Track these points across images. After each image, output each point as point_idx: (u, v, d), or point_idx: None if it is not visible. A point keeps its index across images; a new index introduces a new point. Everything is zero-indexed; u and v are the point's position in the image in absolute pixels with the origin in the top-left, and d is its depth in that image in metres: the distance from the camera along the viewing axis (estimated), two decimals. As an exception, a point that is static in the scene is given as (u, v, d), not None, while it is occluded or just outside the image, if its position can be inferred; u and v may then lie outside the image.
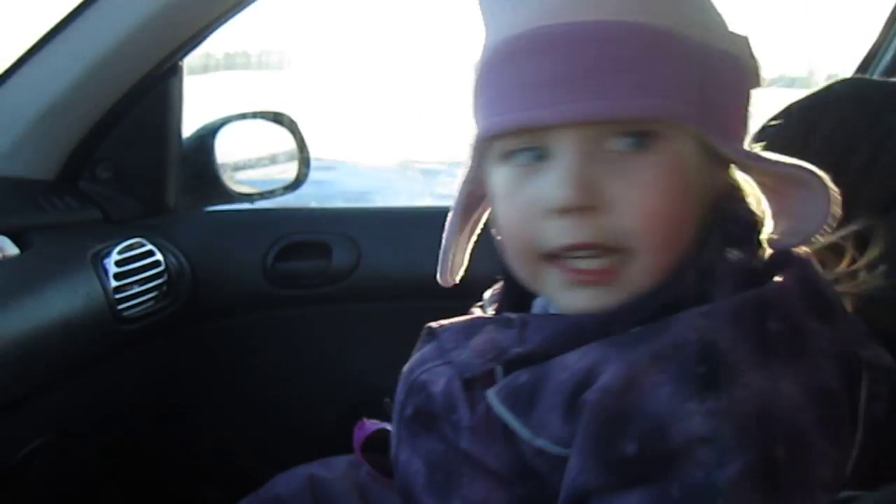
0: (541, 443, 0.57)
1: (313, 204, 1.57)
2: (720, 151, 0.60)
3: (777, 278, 0.58)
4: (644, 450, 0.51)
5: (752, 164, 0.62)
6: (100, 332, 1.08)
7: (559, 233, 0.59)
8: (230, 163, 1.39)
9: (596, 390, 0.54)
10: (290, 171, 1.42)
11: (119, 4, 1.15)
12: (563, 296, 0.62)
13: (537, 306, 0.70)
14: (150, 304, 1.17)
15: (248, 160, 1.47)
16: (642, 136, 0.57)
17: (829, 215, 0.59)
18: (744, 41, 0.62)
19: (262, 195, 1.44)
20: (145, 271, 1.17)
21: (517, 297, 0.71)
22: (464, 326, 0.70)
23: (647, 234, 0.58)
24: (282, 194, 1.42)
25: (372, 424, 0.83)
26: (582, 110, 0.56)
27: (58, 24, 1.15)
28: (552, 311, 0.67)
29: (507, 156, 0.61)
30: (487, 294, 0.79)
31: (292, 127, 1.42)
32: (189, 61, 1.28)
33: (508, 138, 0.60)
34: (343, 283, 1.32)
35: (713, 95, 0.59)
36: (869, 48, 1.42)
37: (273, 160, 1.46)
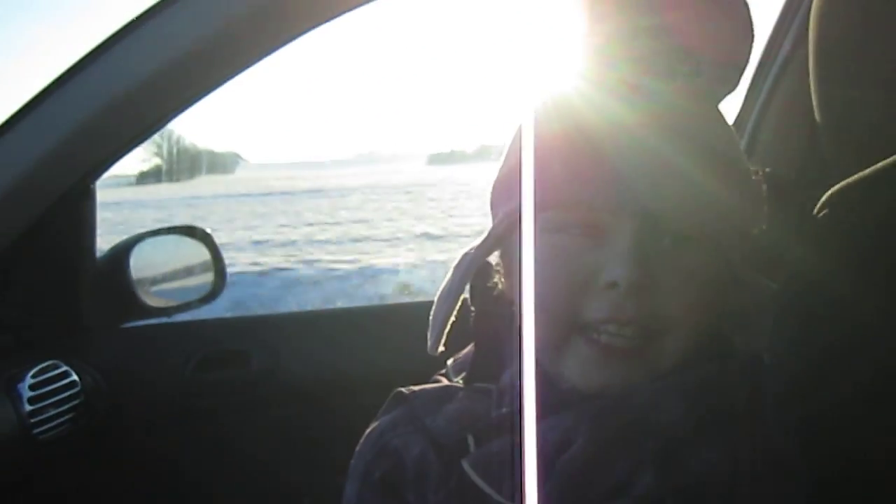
0: None
1: (228, 314, 1.59)
2: (736, 269, 0.68)
3: (730, 367, 0.66)
4: None
5: (750, 282, 0.70)
6: (15, 456, 1.06)
7: (605, 306, 0.63)
8: (146, 278, 1.40)
9: (565, 460, 0.61)
10: (205, 281, 1.45)
11: (31, 128, 1.18)
12: (589, 371, 0.65)
13: (507, 377, 0.72)
14: (66, 425, 1.16)
15: (164, 274, 1.49)
16: (688, 240, 0.64)
17: None
18: (760, 183, 0.71)
19: (179, 308, 1.45)
20: (61, 393, 1.16)
21: (488, 367, 0.74)
22: (437, 393, 0.72)
23: (684, 321, 0.64)
24: (198, 307, 1.44)
25: None
26: (659, 207, 0.62)
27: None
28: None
29: (556, 228, 0.65)
30: (450, 363, 0.81)
31: (206, 240, 1.46)
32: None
33: (563, 212, 0.65)
34: (263, 388, 1.34)
35: (739, 223, 0.68)
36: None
37: (188, 273, 1.49)
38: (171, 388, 1.32)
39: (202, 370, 1.33)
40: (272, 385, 1.34)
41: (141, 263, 1.39)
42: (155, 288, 1.45)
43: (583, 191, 0.63)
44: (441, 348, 0.73)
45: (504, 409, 0.66)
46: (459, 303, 0.72)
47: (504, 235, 0.70)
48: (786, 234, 1.02)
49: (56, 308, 1.29)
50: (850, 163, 0.76)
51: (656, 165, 0.62)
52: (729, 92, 0.70)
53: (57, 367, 1.17)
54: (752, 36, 0.70)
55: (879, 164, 0.59)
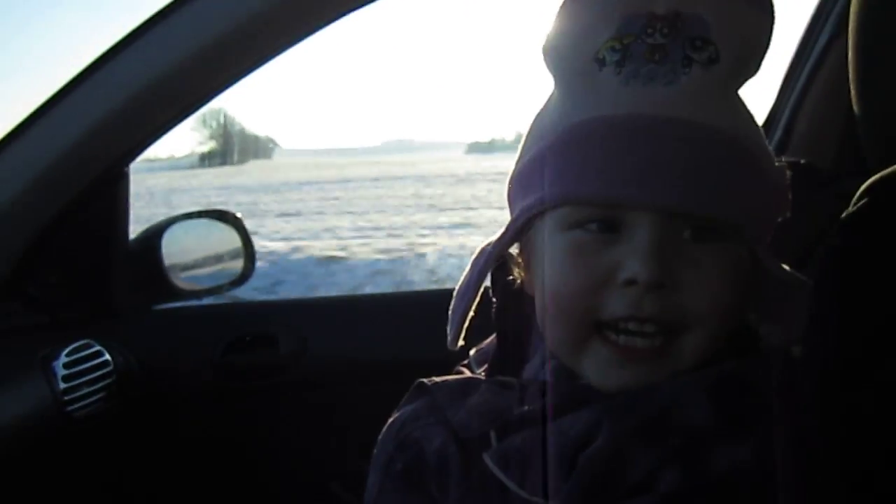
0: (539, 500, 0.62)
1: (259, 298, 1.60)
2: (761, 259, 0.66)
3: (756, 362, 0.65)
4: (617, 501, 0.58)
5: (778, 274, 0.68)
6: (49, 432, 1.09)
7: (624, 303, 0.62)
8: (178, 262, 1.42)
9: (587, 456, 0.60)
10: (236, 265, 1.46)
11: (66, 113, 1.20)
12: (607, 372, 0.64)
13: (529, 370, 0.73)
14: (99, 404, 1.18)
15: (196, 259, 1.51)
16: (708, 231, 0.63)
17: None
18: (783, 169, 0.69)
19: (210, 291, 1.47)
20: (94, 372, 1.18)
21: (510, 361, 0.74)
22: (459, 385, 0.72)
23: (705, 318, 0.63)
24: (228, 290, 1.46)
25: None
26: (680, 201, 0.61)
27: (7, 135, 1.20)
28: (543, 377, 0.70)
29: (574, 224, 0.65)
30: (473, 353, 0.81)
31: (237, 224, 1.47)
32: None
33: (581, 207, 0.64)
34: (290, 372, 1.35)
35: (762, 211, 0.66)
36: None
37: (219, 258, 1.50)
38: (200, 369, 1.34)
39: (231, 353, 1.35)
40: (300, 369, 1.35)
41: (173, 247, 1.41)
42: (186, 271, 1.47)
43: (599, 186, 0.62)
44: (461, 343, 0.73)
45: (526, 407, 0.66)
46: (479, 297, 0.72)
47: (522, 230, 0.69)
48: (821, 225, 1.01)
49: (90, 289, 1.32)
50: (888, 155, 0.74)
51: (674, 157, 0.61)
52: (749, 77, 0.68)
53: (91, 347, 1.19)
54: (773, 20, 0.67)
55: None
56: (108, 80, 1.14)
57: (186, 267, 1.48)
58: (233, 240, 1.46)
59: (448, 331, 0.72)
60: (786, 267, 0.69)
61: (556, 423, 0.63)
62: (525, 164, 0.69)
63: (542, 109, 0.71)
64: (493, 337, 0.79)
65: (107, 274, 1.33)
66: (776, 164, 0.69)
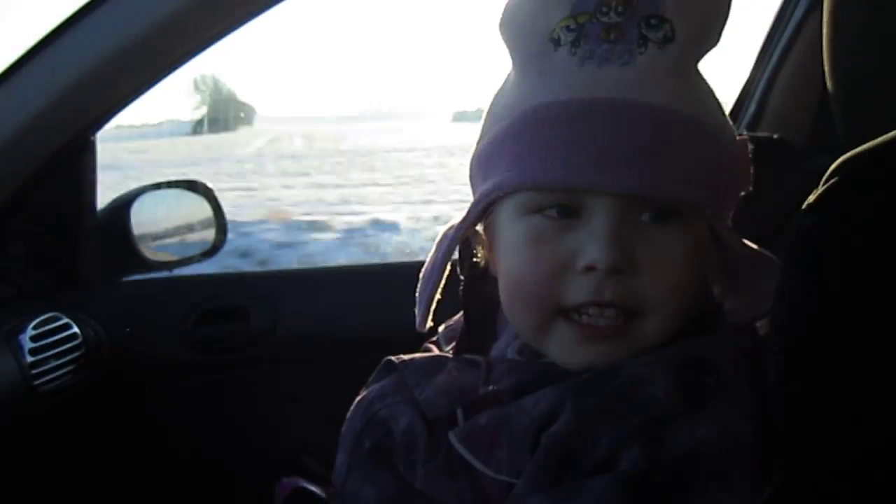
0: (505, 477, 0.62)
1: (230, 269, 1.59)
2: (721, 237, 0.67)
3: (720, 339, 0.66)
4: (580, 478, 0.59)
5: (740, 250, 0.68)
6: (16, 407, 1.07)
7: (584, 289, 0.63)
8: (147, 233, 1.40)
9: (550, 434, 0.60)
10: (207, 236, 1.45)
11: (28, 81, 1.17)
12: (572, 351, 0.65)
13: (497, 349, 0.74)
14: (67, 377, 1.17)
15: (166, 229, 1.49)
16: (668, 212, 0.63)
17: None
18: (744, 144, 0.69)
19: (180, 262, 1.45)
20: (62, 345, 1.17)
21: (477, 339, 0.75)
22: (427, 363, 0.72)
23: (665, 300, 0.63)
24: (199, 261, 1.44)
25: (290, 482, 0.85)
26: (638, 185, 0.61)
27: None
28: (509, 355, 0.71)
29: (532, 209, 0.65)
30: (441, 329, 0.82)
31: (207, 194, 1.45)
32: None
33: (540, 192, 0.64)
34: (262, 345, 1.34)
35: (723, 189, 0.66)
36: (734, 102, 1.55)
37: (190, 228, 1.49)
38: (171, 341, 1.33)
39: (202, 324, 1.34)
40: (272, 341, 1.34)
41: (142, 217, 1.39)
42: (156, 242, 1.45)
43: (557, 171, 0.62)
44: (429, 324, 0.73)
45: (492, 386, 0.66)
46: (444, 280, 0.72)
47: (483, 213, 0.69)
48: (792, 201, 1.01)
49: (57, 261, 1.29)
50: (861, 132, 0.75)
51: (631, 141, 0.61)
52: (709, 49, 0.67)
53: (58, 319, 1.17)
54: None
55: (893, 134, 0.58)
56: (71, 46, 1.11)
57: (156, 237, 1.46)
58: (204, 210, 1.45)
59: (416, 313, 0.72)
60: (748, 243, 0.69)
61: (519, 402, 0.63)
62: (484, 146, 0.69)
63: (500, 88, 0.70)
64: (460, 314, 0.79)
65: (74, 245, 1.31)
66: (737, 139, 0.69)
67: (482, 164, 0.69)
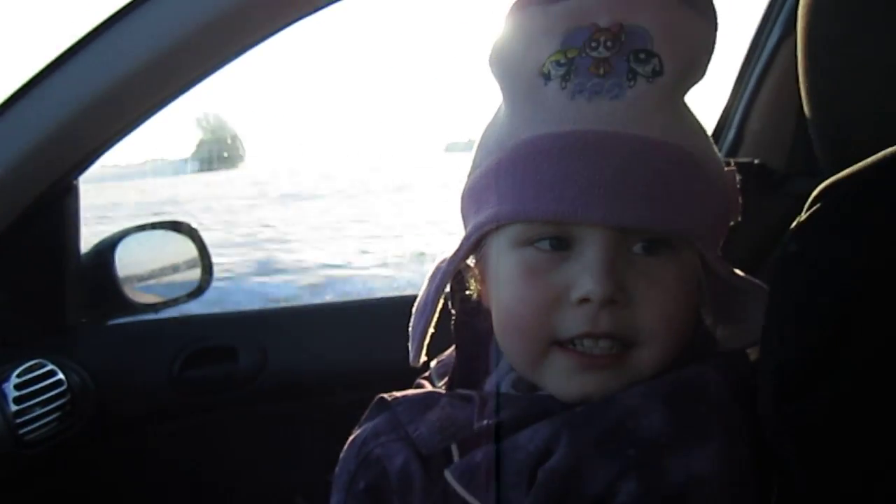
0: None
1: (216, 309, 1.58)
2: (711, 266, 0.67)
3: (712, 366, 0.65)
4: None
5: (729, 279, 0.69)
6: (2, 458, 1.05)
7: (579, 321, 0.63)
8: (132, 275, 1.39)
9: (546, 470, 0.60)
10: (192, 277, 1.44)
11: (10, 127, 1.17)
12: (569, 380, 0.64)
13: (490, 383, 0.73)
14: (53, 425, 1.15)
15: (151, 271, 1.47)
16: (660, 243, 0.63)
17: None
18: (732, 174, 0.70)
19: (166, 304, 1.44)
20: (47, 392, 1.15)
21: (470, 373, 0.74)
22: (419, 400, 0.72)
23: (660, 331, 0.63)
24: (185, 302, 1.43)
25: None
26: (630, 218, 0.61)
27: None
28: (504, 389, 0.71)
29: (525, 241, 0.65)
30: (433, 364, 0.81)
31: (192, 234, 1.45)
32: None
33: (532, 225, 0.64)
34: (251, 385, 1.33)
35: (712, 219, 0.67)
36: (713, 127, 1.57)
37: (175, 269, 1.48)
38: (159, 385, 1.31)
39: (190, 366, 1.32)
40: (261, 381, 1.33)
41: (127, 259, 1.38)
42: (141, 284, 1.44)
43: (550, 204, 0.62)
44: (423, 358, 0.73)
45: (486, 421, 0.65)
46: (437, 314, 0.72)
47: (475, 246, 0.69)
48: (775, 226, 1.02)
49: (41, 306, 1.28)
50: (839, 156, 0.75)
51: (623, 174, 0.61)
52: (695, 83, 0.68)
53: (43, 366, 1.16)
54: (715, 25, 0.68)
55: (873, 159, 0.58)
56: (54, 91, 1.11)
57: (142, 279, 1.45)
58: (189, 251, 1.44)
59: (409, 348, 0.72)
60: (737, 271, 0.70)
61: (514, 438, 0.63)
62: (476, 179, 0.69)
63: (491, 122, 0.71)
64: (452, 348, 0.79)
65: (58, 290, 1.30)
66: (725, 169, 0.70)
67: (474, 196, 0.69)
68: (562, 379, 0.65)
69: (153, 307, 1.43)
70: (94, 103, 1.10)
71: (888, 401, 0.54)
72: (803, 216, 0.60)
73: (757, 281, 0.70)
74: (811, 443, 0.57)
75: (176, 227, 1.45)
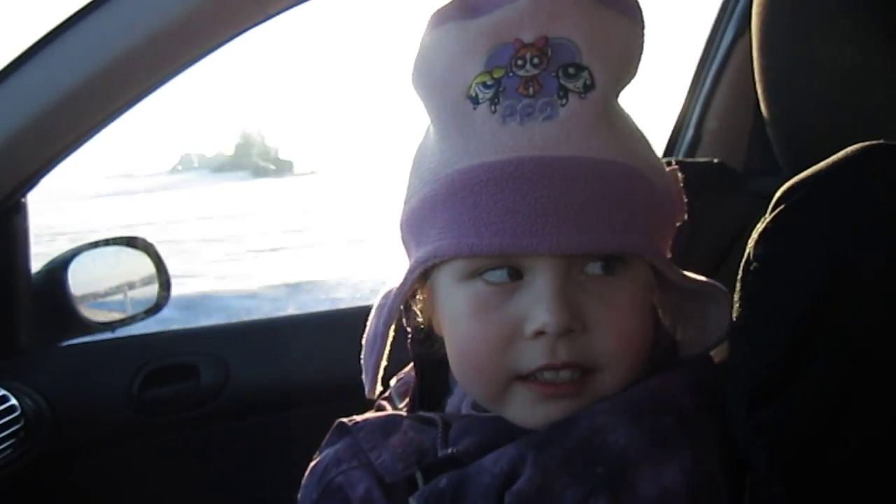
0: None
1: (175, 326, 1.54)
2: (664, 274, 0.65)
3: (676, 375, 0.64)
4: None
5: (684, 284, 0.67)
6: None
7: (537, 354, 0.60)
8: (87, 293, 1.35)
9: (513, 493, 0.58)
10: (150, 293, 1.40)
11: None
12: (532, 411, 0.62)
13: (451, 404, 0.72)
14: (7, 452, 1.11)
15: (106, 289, 1.44)
16: (613, 262, 0.61)
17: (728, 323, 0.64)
18: (674, 174, 0.68)
19: (123, 322, 1.41)
20: (-1, 419, 1.11)
21: (430, 393, 0.72)
22: (381, 424, 0.69)
23: (620, 353, 0.62)
24: (143, 319, 1.40)
25: None
26: (577, 244, 0.59)
27: None
28: (464, 409, 0.69)
29: (471, 274, 0.62)
30: (393, 382, 0.79)
31: (148, 250, 1.41)
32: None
33: (477, 258, 0.61)
34: (213, 402, 1.30)
35: (660, 227, 0.65)
36: (672, 129, 1.58)
37: (131, 286, 1.44)
38: (118, 406, 1.27)
39: (149, 385, 1.29)
40: (223, 397, 1.30)
41: (80, 278, 1.34)
42: (96, 302, 1.40)
43: (492, 238, 0.59)
44: (378, 389, 0.71)
45: (451, 449, 0.64)
46: (388, 347, 0.70)
47: (420, 279, 0.67)
48: (736, 224, 1.02)
49: (-10, 329, 1.24)
50: (797, 154, 0.76)
51: (564, 200, 0.59)
52: (629, 83, 0.66)
53: (-7, 393, 1.12)
54: (643, 25, 0.66)
55: (833, 159, 0.58)
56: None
57: (97, 297, 1.41)
58: (145, 266, 1.40)
59: (364, 380, 0.70)
60: (690, 274, 0.69)
61: (479, 462, 0.61)
62: (414, 210, 0.66)
63: (422, 144, 0.68)
64: (411, 365, 0.77)
65: (7, 311, 1.25)
66: (666, 171, 0.67)
67: (413, 229, 0.67)
68: (526, 410, 0.63)
69: (109, 326, 1.39)
70: (40, 119, 1.07)
71: (859, 401, 0.54)
72: (768, 218, 0.60)
73: (714, 282, 0.69)
74: (783, 447, 0.56)
75: (131, 242, 1.42)
